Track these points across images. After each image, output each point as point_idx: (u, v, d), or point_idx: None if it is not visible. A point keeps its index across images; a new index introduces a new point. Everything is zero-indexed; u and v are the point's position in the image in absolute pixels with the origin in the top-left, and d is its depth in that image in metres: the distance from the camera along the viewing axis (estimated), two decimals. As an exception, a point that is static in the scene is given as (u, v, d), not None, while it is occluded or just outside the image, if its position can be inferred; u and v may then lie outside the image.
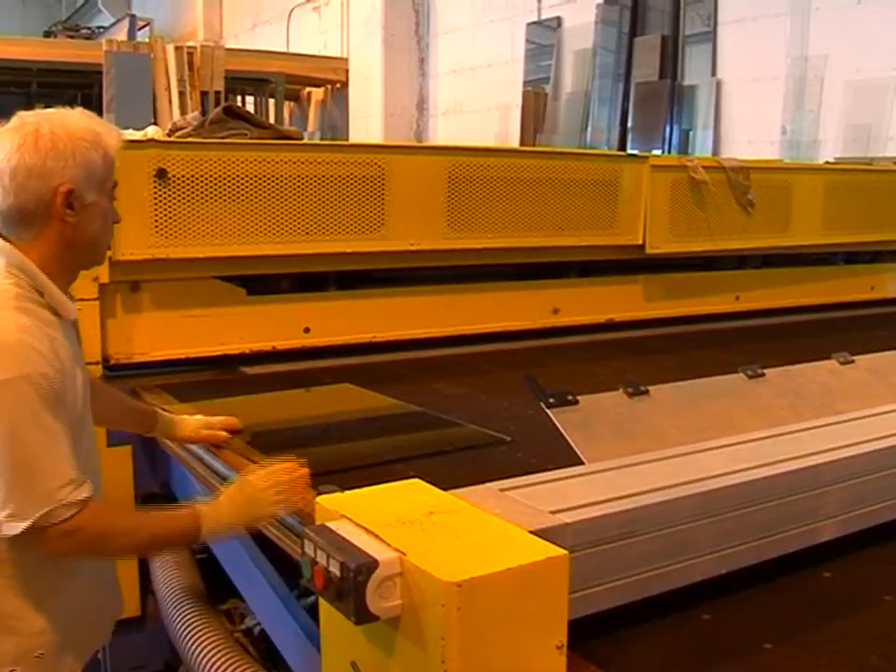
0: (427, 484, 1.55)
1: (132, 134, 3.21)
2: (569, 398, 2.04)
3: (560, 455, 1.93)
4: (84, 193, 1.82)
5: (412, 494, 1.52)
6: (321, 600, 1.40)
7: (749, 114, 8.15)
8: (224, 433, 2.35)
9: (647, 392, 2.19)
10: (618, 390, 2.16)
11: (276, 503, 1.83)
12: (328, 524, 1.39)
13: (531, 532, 1.38)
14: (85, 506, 1.73)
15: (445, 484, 1.57)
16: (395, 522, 1.37)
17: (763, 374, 2.45)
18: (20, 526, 1.69)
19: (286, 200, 3.25)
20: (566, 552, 1.30)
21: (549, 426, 2.00)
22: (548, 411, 2.01)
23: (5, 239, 1.83)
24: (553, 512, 1.52)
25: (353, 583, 1.25)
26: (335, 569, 1.28)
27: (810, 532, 1.86)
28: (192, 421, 2.36)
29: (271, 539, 2.03)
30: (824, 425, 2.14)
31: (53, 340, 1.77)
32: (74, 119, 1.84)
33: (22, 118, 1.82)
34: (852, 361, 2.66)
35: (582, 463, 1.88)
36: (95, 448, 2.06)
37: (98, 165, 1.84)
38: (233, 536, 1.98)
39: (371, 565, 1.26)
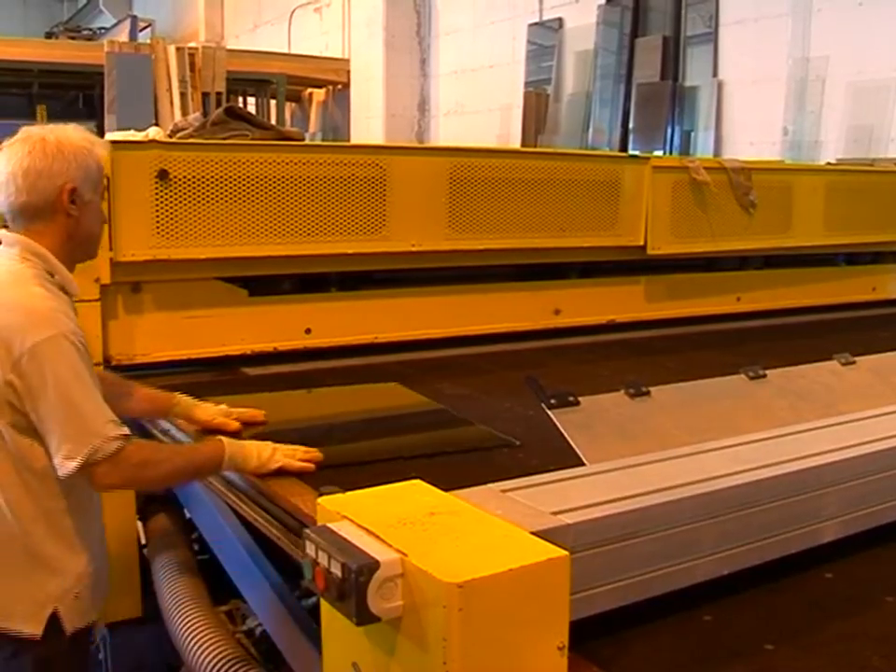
0: (428, 485, 1.55)
1: (133, 135, 3.21)
2: (570, 398, 2.04)
3: (561, 456, 1.93)
4: (84, 192, 2.11)
5: (413, 495, 1.52)
6: (322, 601, 1.40)
7: (750, 115, 8.15)
8: (236, 423, 2.44)
9: (648, 393, 2.19)
10: (619, 391, 2.16)
11: (290, 451, 2.13)
12: (329, 525, 1.39)
13: (532, 533, 1.38)
14: (127, 440, 1.97)
15: (446, 485, 1.57)
16: (396, 523, 1.37)
17: (765, 375, 2.45)
18: (73, 465, 1.92)
19: (287, 201, 3.26)
20: (567, 553, 1.30)
21: (550, 426, 2.00)
22: (549, 412, 2.01)
23: (17, 233, 2.09)
24: (554, 513, 1.52)
25: (354, 584, 1.25)
26: (336, 570, 1.28)
27: (812, 533, 1.86)
28: (212, 407, 2.48)
29: (272, 539, 2.03)
30: (826, 426, 2.14)
31: (70, 315, 2.04)
32: (71, 131, 2.14)
33: (28, 131, 2.12)
34: (854, 362, 2.66)
35: (584, 464, 1.88)
36: None
37: (94, 169, 2.14)
38: (247, 476, 2.15)
39: (373, 566, 1.26)
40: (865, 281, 5.19)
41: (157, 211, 3.05)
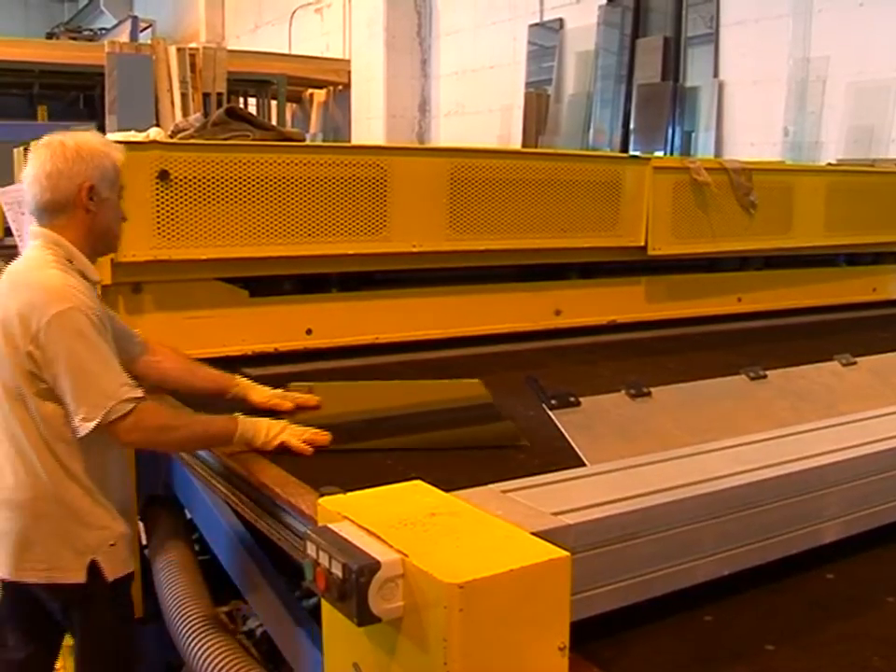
0: (429, 486, 1.55)
1: (134, 136, 3.21)
2: (571, 399, 2.04)
3: (562, 457, 1.93)
4: (101, 189, 2.34)
5: (413, 495, 1.52)
6: (323, 602, 1.40)
7: (751, 115, 8.15)
8: (289, 404, 2.61)
9: (649, 394, 2.19)
10: (620, 391, 2.16)
11: (300, 432, 2.29)
12: (330, 525, 1.39)
13: (533, 534, 1.37)
14: (140, 402, 2.17)
15: (447, 486, 1.57)
16: (397, 523, 1.37)
17: (765, 376, 2.45)
18: (90, 426, 2.14)
19: (288, 201, 3.26)
20: (568, 553, 1.30)
21: (551, 427, 2.00)
22: (550, 412, 2.01)
23: (42, 227, 2.34)
24: (554, 514, 1.52)
25: (355, 585, 1.25)
26: (337, 571, 1.28)
27: (813, 533, 1.86)
28: (268, 390, 2.66)
29: (273, 540, 2.03)
30: (827, 426, 2.14)
31: (86, 293, 2.26)
32: (90, 136, 2.39)
33: (51, 137, 2.36)
34: (854, 363, 2.66)
35: (584, 464, 1.88)
36: None
37: (109, 169, 2.37)
38: (258, 449, 2.27)
39: (374, 566, 1.26)
40: (866, 282, 5.19)
41: (157, 211, 3.05)
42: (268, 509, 2.08)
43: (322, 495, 1.60)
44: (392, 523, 1.37)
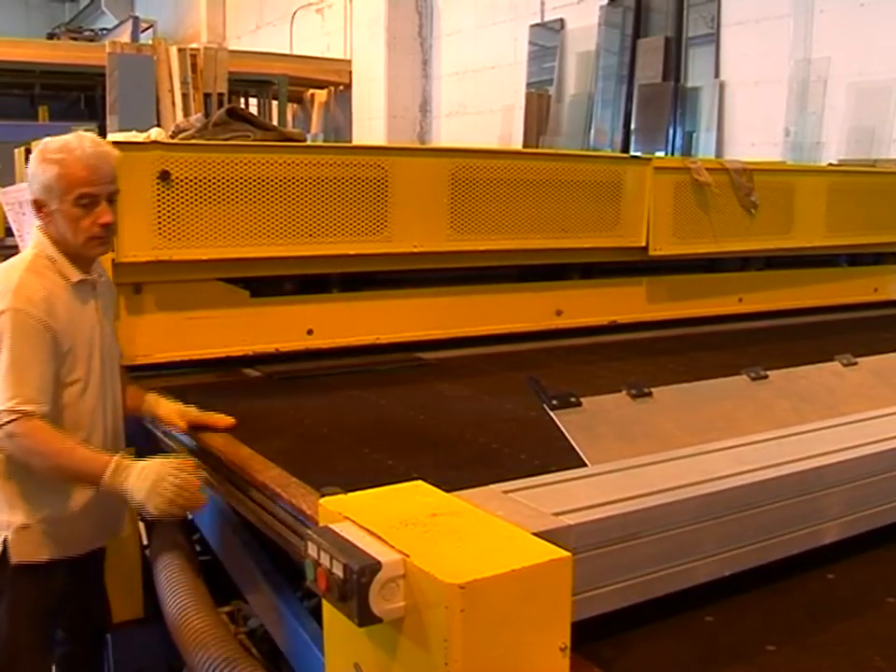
0: (430, 486, 1.55)
1: (135, 136, 3.21)
2: (572, 399, 2.03)
3: (563, 457, 1.93)
4: (48, 202, 2.38)
5: (414, 496, 1.51)
6: (324, 602, 1.40)
7: (752, 116, 8.15)
8: (182, 424, 2.56)
9: (650, 394, 2.18)
10: (621, 392, 2.16)
11: (166, 503, 2.20)
12: (331, 525, 1.39)
13: (534, 534, 1.37)
14: (22, 416, 2.21)
15: (448, 486, 1.57)
16: (398, 524, 1.37)
17: (767, 376, 2.45)
18: None
19: (289, 202, 3.26)
20: (569, 554, 1.29)
21: (552, 427, 2.00)
22: (551, 412, 2.01)
23: None
24: (555, 514, 1.51)
25: (356, 585, 1.24)
26: (338, 571, 1.28)
27: (814, 534, 1.86)
28: (171, 405, 2.62)
29: (274, 540, 2.03)
30: (828, 426, 2.14)
31: (52, 295, 2.34)
32: (54, 142, 2.40)
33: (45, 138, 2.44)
34: (855, 363, 2.65)
35: (585, 465, 1.88)
36: (105, 410, 2.50)
37: (53, 182, 2.36)
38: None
39: (375, 567, 1.25)
40: (867, 282, 5.19)
41: (158, 212, 3.05)
42: (269, 509, 2.08)
43: (323, 495, 1.59)
44: (393, 523, 1.37)
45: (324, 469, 2.20)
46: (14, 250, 3.43)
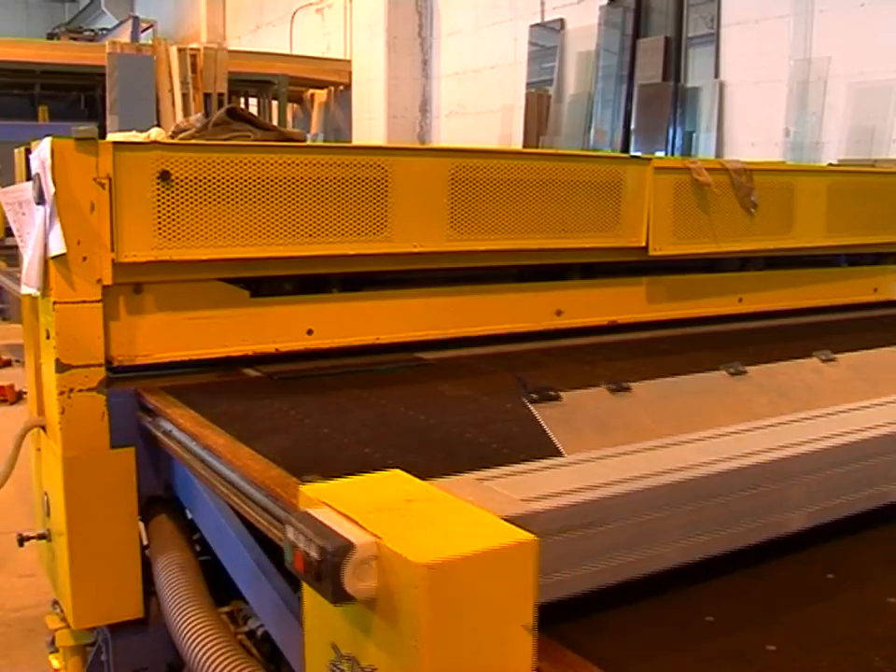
0: (408, 475, 1.60)
1: (135, 136, 3.21)
2: (551, 393, 2.09)
3: (543, 450, 1.96)
4: None
5: (392, 483, 1.58)
6: (304, 585, 1.46)
7: (752, 116, 8.16)
8: None
9: (629, 388, 2.23)
10: (600, 386, 2.20)
11: None
12: (309, 510, 1.45)
13: (503, 519, 1.42)
14: None
15: (426, 476, 1.61)
16: (373, 509, 1.43)
17: (746, 372, 2.49)
18: None
19: (289, 202, 3.26)
20: (534, 537, 1.35)
21: (534, 422, 2.04)
22: (530, 406, 2.06)
23: None
24: (524, 500, 1.57)
25: (330, 565, 1.30)
26: (314, 553, 1.34)
27: (779, 523, 1.89)
28: None
29: (273, 540, 2.03)
30: (798, 419, 2.19)
31: None
32: None
33: None
34: (834, 359, 2.69)
35: (562, 456, 1.91)
36: None
37: None
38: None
39: (348, 548, 1.31)
40: (867, 282, 5.19)
41: (158, 212, 3.05)
42: (269, 509, 2.08)
43: (304, 482, 1.66)
44: (369, 508, 1.42)
45: (324, 468, 2.20)
46: (14, 250, 3.44)
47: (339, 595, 1.32)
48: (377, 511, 1.42)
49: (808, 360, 2.66)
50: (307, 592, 1.49)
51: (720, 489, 1.79)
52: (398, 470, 1.62)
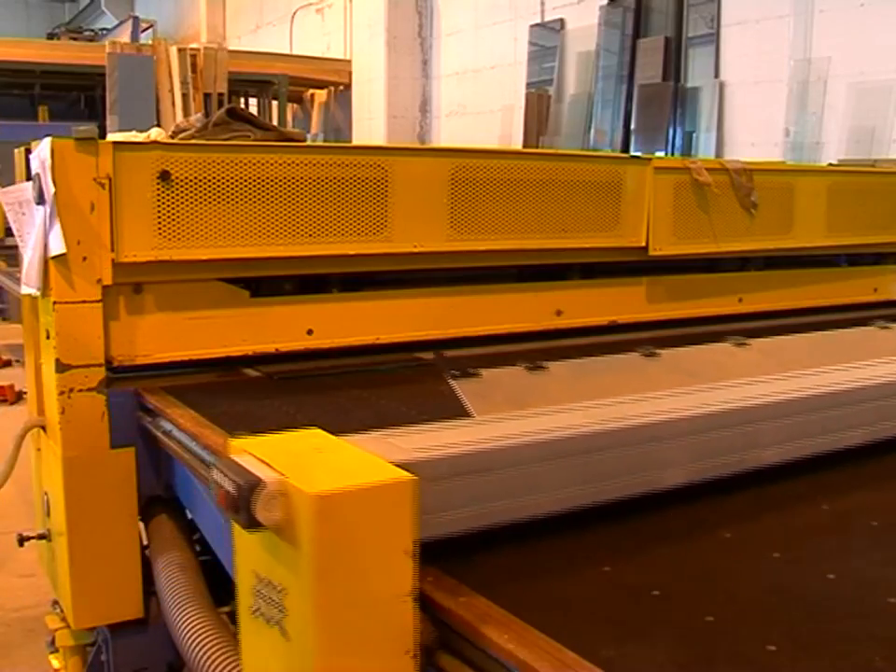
0: (324, 432, 1.84)
1: (135, 136, 3.21)
2: (471, 371, 2.37)
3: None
4: None
5: (308, 438, 1.83)
6: (233, 524, 1.70)
7: (752, 116, 8.16)
8: None
9: (545, 367, 2.34)
10: (517, 365, 2.43)
11: None
12: (232, 456, 1.71)
13: (393, 464, 1.67)
14: None
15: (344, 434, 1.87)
16: (285, 455, 1.68)
17: (658, 354, 2.57)
18: None
19: (289, 202, 3.26)
20: (414, 477, 1.59)
21: (455, 397, 2.17)
22: (451, 381, 2.16)
23: None
24: (414, 450, 1.87)
25: (244, 499, 1.55)
26: (232, 489, 1.60)
27: (652, 479, 2.10)
28: None
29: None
30: (690, 392, 2.33)
31: None
32: None
33: None
34: (746, 344, 2.74)
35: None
36: None
37: None
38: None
39: (258, 483, 1.56)
40: (867, 282, 5.19)
41: (158, 212, 3.05)
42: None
43: (234, 437, 1.88)
44: (282, 455, 1.68)
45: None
46: (14, 250, 3.44)
47: (251, 523, 1.56)
48: (288, 456, 1.68)
49: (720, 344, 2.79)
50: (235, 531, 1.72)
51: (594, 446, 2.03)
52: (317, 429, 1.87)
